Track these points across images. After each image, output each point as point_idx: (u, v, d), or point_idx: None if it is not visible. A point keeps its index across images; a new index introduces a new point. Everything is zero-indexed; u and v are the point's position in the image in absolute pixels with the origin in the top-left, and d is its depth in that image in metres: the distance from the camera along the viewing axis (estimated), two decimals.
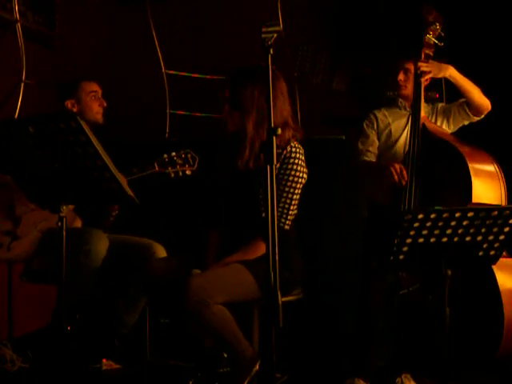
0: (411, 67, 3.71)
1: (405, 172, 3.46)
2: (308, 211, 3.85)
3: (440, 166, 3.46)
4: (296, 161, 3.02)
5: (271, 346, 2.37)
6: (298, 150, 3.03)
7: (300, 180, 3.04)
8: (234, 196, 3.15)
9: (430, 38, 3.58)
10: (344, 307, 3.94)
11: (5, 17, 4.54)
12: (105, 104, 3.79)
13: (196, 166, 3.58)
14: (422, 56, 3.58)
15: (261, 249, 2.90)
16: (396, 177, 3.46)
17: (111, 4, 5.59)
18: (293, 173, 3.01)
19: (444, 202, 3.29)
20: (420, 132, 3.50)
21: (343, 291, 3.97)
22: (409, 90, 3.74)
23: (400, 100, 3.84)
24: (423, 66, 3.57)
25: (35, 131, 2.44)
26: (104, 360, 3.58)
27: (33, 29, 4.91)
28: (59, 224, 2.60)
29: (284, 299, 2.38)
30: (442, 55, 3.65)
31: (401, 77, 3.76)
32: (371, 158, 3.77)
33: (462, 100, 3.73)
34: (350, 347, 3.53)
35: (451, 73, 3.61)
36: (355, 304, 3.64)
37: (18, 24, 4.26)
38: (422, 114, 3.58)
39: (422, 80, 3.59)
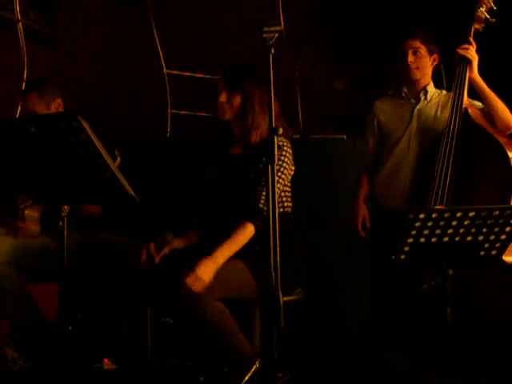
0: (421, 46, 3.36)
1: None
2: (309, 211, 3.86)
3: (479, 161, 3.18)
4: (284, 152, 3.03)
5: (273, 346, 2.37)
6: (285, 143, 3.05)
7: (285, 171, 3.05)
8: (226, 194, 3.14)
9: (483, 11, 3.25)
10: (346, 307, 3.94)
11: (6, 16, 4.54)
12: None
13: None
14: (472, 31, 3.23)
15: (249, 230, 2.93)
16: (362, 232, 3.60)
17: (112, 3, 5.59)
18: (280, 163, 3.00)
19: (479, 201, 3.12)
20: (460, 120, 3.17)
21: (345, 291, 3.97)
22: (420, 73, 3.39)
23: (404, 90, 3.47)
24: (471, 49, 3.20)
25: (37, 131, 2.45)
26: (105, 360, 3.58)
27: (34, 28, 4.91)
28: (60, 223, 2.60)
29: (285, 299, 2.38)
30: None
31: (410, 58, 3.35)
32: (368, 161, 3.67)
33: (482, 107, 3.35)
34: (351, 347, 3.53)
35: (479, 79, 3.26)
36: (356, 303, 3.64)
37: (20, 24, 4.26)
38: (465, 99, 3.22)
39: (473, 66, 3.20)
